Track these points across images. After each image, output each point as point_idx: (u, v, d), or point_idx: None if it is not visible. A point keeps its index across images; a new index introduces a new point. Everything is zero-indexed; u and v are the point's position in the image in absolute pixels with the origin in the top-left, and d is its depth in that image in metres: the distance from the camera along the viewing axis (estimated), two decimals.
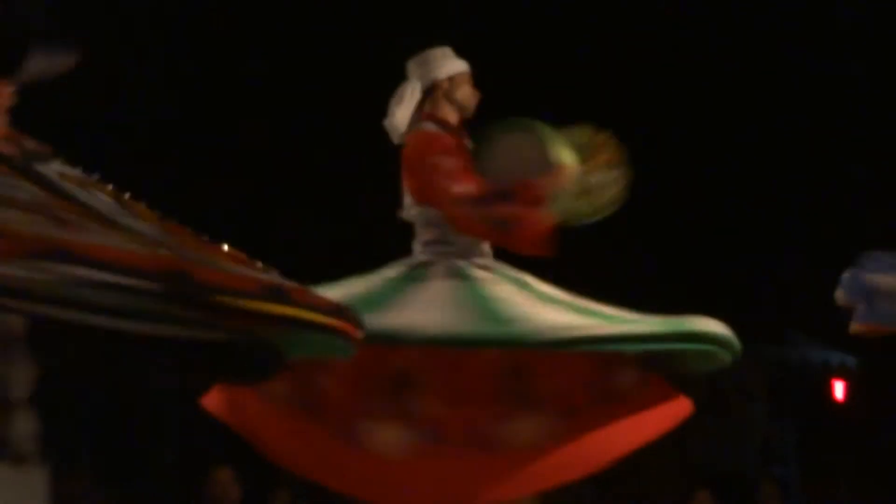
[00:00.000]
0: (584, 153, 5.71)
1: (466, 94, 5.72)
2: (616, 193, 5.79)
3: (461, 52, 6.17)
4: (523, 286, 5.49)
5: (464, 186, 5.59)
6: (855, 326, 4.51)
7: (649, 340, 5.35)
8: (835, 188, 13.15)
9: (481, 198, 5.68)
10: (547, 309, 5.34)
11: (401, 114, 5.76)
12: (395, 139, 5.76)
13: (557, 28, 13.64)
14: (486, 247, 5.56)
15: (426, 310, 5.34)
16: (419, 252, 5.62)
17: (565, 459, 5.40)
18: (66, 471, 9.88)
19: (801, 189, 13.23)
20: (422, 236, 5.65)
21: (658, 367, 5.58)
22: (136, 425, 9.67)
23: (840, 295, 4.53)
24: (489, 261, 5.54)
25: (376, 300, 5.32)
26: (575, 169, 5.66)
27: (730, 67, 13.72)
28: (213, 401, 5.34)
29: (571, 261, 5.96)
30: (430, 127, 5.62)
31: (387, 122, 5.83)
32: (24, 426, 3.49)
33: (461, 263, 5.49)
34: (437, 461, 5.38)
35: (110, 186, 3.33)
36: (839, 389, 12.27)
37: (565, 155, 5.59)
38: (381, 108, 6.26)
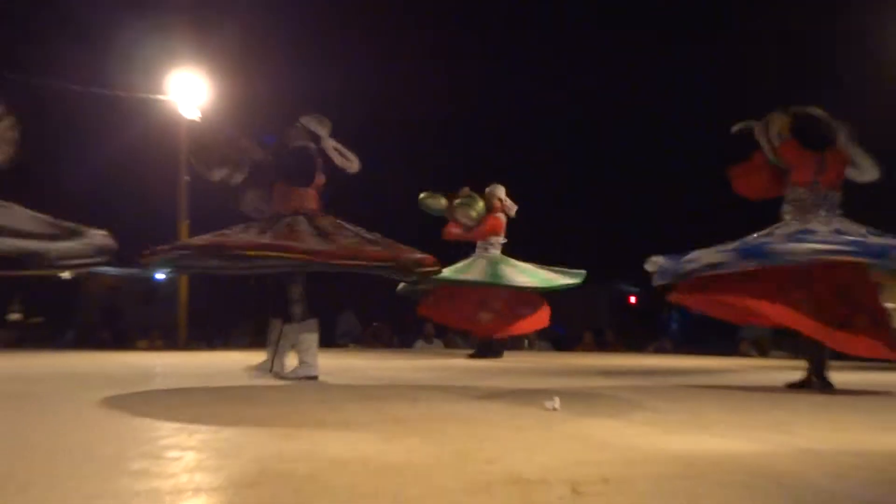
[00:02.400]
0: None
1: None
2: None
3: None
4: (509, 262, 8.14)
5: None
6: (657, 282, 4.61)
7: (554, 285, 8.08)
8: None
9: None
10: (519, 267, 8.09)
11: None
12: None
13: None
14: (497, 247, 8.24)
15: (479, 270, 7.96)
16: (479, 252, 8.21)
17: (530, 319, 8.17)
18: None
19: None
20: (481, 246, 8.26)
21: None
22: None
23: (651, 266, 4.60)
24: (497, 252, 8.24)
25: (464, 269, 7.97)
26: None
27: None
28: (421, 307, 8.42)
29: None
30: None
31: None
32: (301, 310, 4.70)
33: (492, 253, 8.22)
34: (501, 323, 8.02)
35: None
36: (633, 299, 15.57)
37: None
38: None
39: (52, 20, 12.55)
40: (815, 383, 4.42)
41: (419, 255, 4.42)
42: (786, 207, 4.53)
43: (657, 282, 4.53)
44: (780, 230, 4.41)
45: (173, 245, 4.48)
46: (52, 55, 11.58)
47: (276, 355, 4.75)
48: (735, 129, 4.76)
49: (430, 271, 4.50)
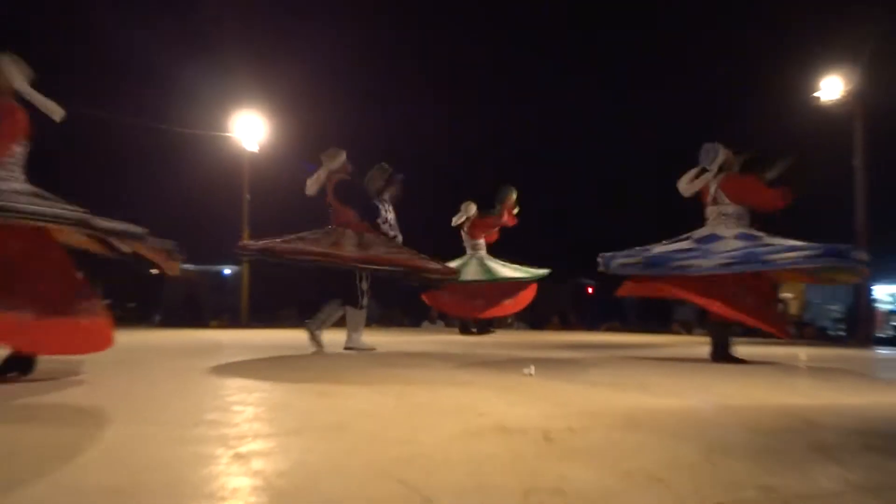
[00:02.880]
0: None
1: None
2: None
3: None
4: (493, 259, 7.86)
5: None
6: (609, 270, 4.15)
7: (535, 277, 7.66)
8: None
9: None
10: (502, 266, 7.80)
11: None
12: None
13: None
14: (482, 248, 7.90)
15: (474, 269, 7.64)
16: (469, 251, 7.91)
17: (522, 300, 7.77)
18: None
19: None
20: (468, 244, 7.94)
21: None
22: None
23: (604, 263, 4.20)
24: (484, 253, 7.97)
25: (462, 269, 7.26)
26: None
27: None
28: (427, 296, 7.99)
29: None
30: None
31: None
32: (366, 297, 4.57)
33: (481, 254, 7.94)
34: (488, 307, 7.65)
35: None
36: (591, 290, 15.12)
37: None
38: None
39: (144, 73, 12.68)
40: (723, 356, 4.26)
41: (436, 267, 4.28)
42: (714, 214, 4.23)
43: (621, 272, 4.10)
44: (726, 232, 4.12)
45: (251, 245, 4.38)
46: (142, 101, 11.67)
47: (349, 333, 4.57)
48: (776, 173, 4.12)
49: (444, 279, 4.38)
